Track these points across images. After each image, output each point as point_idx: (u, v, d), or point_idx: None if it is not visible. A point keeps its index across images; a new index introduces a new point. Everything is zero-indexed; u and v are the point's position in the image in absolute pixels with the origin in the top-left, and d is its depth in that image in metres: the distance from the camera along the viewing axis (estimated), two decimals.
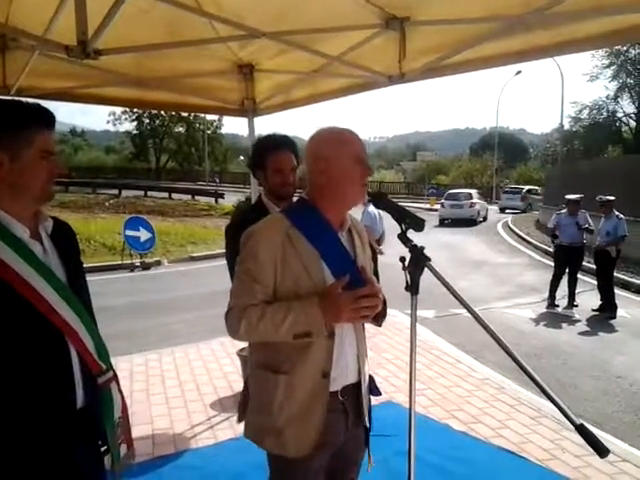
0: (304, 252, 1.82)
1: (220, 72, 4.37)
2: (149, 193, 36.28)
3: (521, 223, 24.99)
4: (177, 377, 5.44)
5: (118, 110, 54.83)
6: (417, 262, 1.69)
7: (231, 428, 4.27)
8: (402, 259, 1.72)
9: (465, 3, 3.04)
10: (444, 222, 25.58)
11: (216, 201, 32.77)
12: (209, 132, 56.18)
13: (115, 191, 35.95)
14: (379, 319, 1.94)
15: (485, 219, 28.04)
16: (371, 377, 2.06)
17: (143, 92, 4.63)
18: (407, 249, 1.73)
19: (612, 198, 9.08)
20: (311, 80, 4.25)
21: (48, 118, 1.72)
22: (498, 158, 46.97)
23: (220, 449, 3.94)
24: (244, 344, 5.33)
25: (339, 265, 1.87)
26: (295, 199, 2.11)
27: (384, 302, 1.89)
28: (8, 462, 1.62)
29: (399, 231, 1.79)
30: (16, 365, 1.62)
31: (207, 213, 28.28)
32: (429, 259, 1.68)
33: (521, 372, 1.42)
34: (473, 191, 28.68)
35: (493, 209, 32.89)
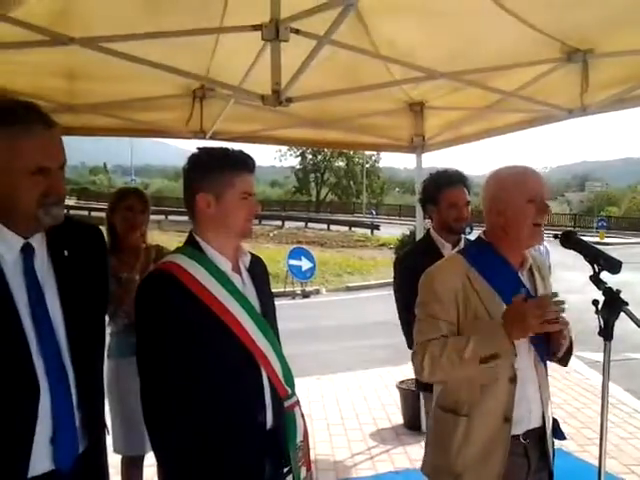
0: (484, 294, 1.83)
1: (391, 111, 4.51)
2: (309, 224, 37.96)
3: None
4: (337, 404, 5.60)
5: (284, 147, 58.17)
6: (613, 306, 1.61)
7: (390, 461, 4.29)
8: (595, 302, 1.66)
9: None
10: None
11: (372, 232, 33.31)
12: (367, 166, 57.43)
13: (279, 222, 38.07)
14: (566, 358, 1.89)
15: None
16: (555, 420, 1.99)
17: (319, 132, 4.91)
18: (600, 291, 1.67)
19: None
20: (483, 115, 4.21)
21: (249, 163, 1.92)
22: None
23: None
24: (404, 376, 5.35)
25: None
26: (473, 236, 2.13)
27: (570, 340, 1.85)
28: (211, 471, 1.79)
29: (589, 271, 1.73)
30: (219, 386, 1.79)
31: (363, 244, 28.79)
32: (626, 303, 1.60)
33: None
34: None
35: None
